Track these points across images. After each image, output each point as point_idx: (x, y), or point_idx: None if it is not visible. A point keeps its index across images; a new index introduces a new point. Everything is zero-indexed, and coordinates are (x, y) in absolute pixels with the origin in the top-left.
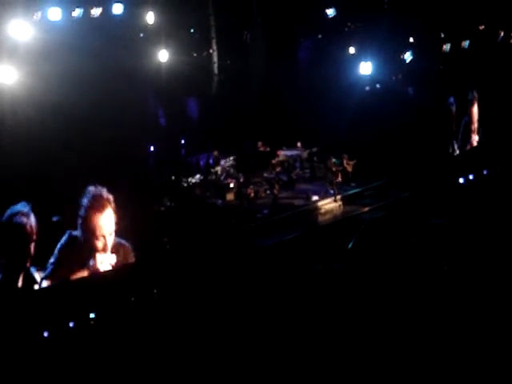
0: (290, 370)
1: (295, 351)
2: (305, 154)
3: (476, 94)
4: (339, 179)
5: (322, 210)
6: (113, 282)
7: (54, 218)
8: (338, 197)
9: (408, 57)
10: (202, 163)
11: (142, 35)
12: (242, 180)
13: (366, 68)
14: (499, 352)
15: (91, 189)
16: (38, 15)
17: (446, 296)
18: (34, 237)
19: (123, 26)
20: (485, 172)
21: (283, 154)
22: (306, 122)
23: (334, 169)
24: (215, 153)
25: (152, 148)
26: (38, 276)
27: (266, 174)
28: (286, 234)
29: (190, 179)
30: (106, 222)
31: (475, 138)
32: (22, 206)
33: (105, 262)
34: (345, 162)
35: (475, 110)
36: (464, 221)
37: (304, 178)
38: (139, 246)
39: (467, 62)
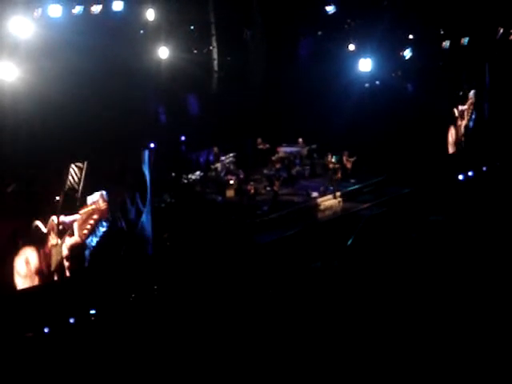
0: (290, 361)
1: (296, 344)
2: (304, 151)
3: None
4: (338, 176)
5: (322, 207)
6: (113, 279)
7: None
8: (338, 193)
9: (408, 53)
10: (202, 160)
11: (142, 32)
12: (242, 176)
13: (365, 65)
14: (497, 344)
15: None
16: (38, 12)
17: (445, 291)
18: None
19: (123, 22)
20: (484, 168)
21: (283, 150)
22: (306, 118)
23: (331, 166)
24: (215, 149)
25: (152, 145)
26: None
27: (265, 171)
28: (286, 231)
29: (190, 176)
30: None
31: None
32: None
33: None
34: (344, 158)
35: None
36: (464, 217)
37: (304, 174)
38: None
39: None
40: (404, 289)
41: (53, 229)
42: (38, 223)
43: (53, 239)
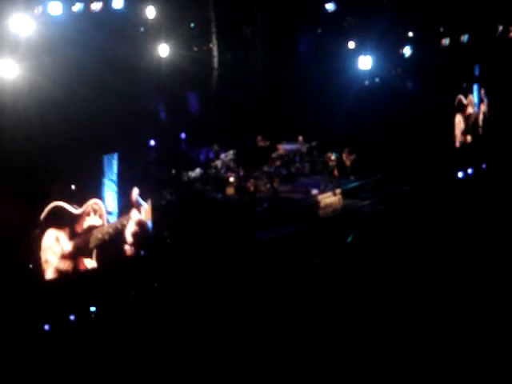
0: (290, 359)
1: (296, 341)
2: (304, 148)
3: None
4: (336, 173)
5: (322, 204)
6: (114, 276)
7: None
8: (338, 190)
9: (407, 51)
10: (202, 157)
11: (142, 30)
12: (241, 174)
13: (365, 62)
14: (497, 343)
15: None
16: (38, 9)
17: (444, 288)
18: None
19: (123, 20)
20: (484, 166)
21: (283, 148)
22: (306, 116)
23: (330, 163)
24: (215, 147)
25: (153, 142)
26: None
27: (265, 168)
28: (286, 228)
29: (190, 173)
30: None
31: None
32: None
33: None
34: (344, 156)
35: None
36: (463, 215)
37: (304, 171)
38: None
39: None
40: (404, 285)
41: (94, 211)
42: (63, 205)
43: (94, 220)
